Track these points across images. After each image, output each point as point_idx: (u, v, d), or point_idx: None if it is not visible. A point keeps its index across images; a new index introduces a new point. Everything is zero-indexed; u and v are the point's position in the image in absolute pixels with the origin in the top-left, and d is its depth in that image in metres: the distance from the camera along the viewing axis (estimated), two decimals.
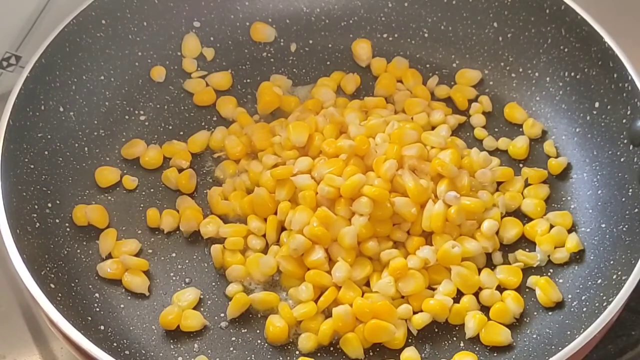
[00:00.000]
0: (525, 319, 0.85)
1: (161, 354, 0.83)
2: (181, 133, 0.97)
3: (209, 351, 0.84)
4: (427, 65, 1.01)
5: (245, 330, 0.85)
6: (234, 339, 0.85)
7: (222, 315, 0.86)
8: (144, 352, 0.83)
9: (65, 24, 0.93)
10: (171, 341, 0.84)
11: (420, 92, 0.98)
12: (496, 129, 0.97)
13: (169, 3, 0.99)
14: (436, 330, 0.85)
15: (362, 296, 0.84)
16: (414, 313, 0.84)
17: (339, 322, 0.82)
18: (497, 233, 0.88)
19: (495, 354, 0.84)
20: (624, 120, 0.88)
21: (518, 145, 0.95)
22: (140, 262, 0.88)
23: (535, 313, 0.86)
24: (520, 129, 0.96)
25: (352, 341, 0.82)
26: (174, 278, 0.88)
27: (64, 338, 0.79)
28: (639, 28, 1.05)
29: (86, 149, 0.94)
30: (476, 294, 0.86)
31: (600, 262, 0.86)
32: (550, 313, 0.85)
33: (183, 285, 0.88)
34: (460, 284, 0.85)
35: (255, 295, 0.85)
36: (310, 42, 1.03)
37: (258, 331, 0.85)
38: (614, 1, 1.06)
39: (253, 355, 0.84)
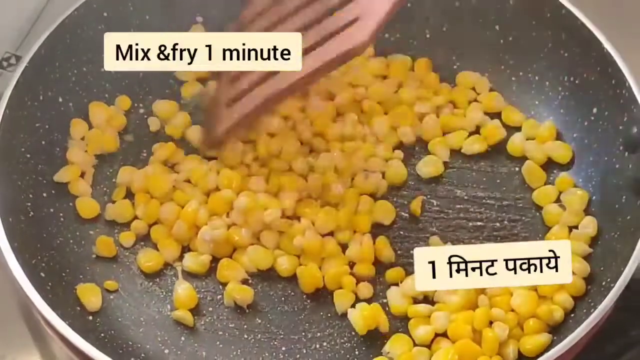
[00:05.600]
0: None
1: (161, 354, 0.84)
2: None
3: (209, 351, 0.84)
4: None
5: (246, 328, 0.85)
6: (233, 338, 0.85)
7: (222, 314, 0.86)
8: (144, 352, 0.83)
9: (67, 16, 0.93)
10: (171, 341, 0.84)
11: (432, 79, 0.99)
12: None
13: None
14: None
15: None
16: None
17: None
18: None
19: None
20: (621, 127, 0.87)
21: (516, 142, 0.94)
22: None
23: None
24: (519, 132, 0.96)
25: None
26: (173, 278, 0.88)
27: (55, 333, 0.79)
28: (638, 34, 1.04)
29: None
30: None
31: (591, 269, 0.85)
32: None
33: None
34: None
35: None
36: None
37: (258, 331, 0.85)
38: (615, 6, 1.05)
39: (254, 355, 0.84)
